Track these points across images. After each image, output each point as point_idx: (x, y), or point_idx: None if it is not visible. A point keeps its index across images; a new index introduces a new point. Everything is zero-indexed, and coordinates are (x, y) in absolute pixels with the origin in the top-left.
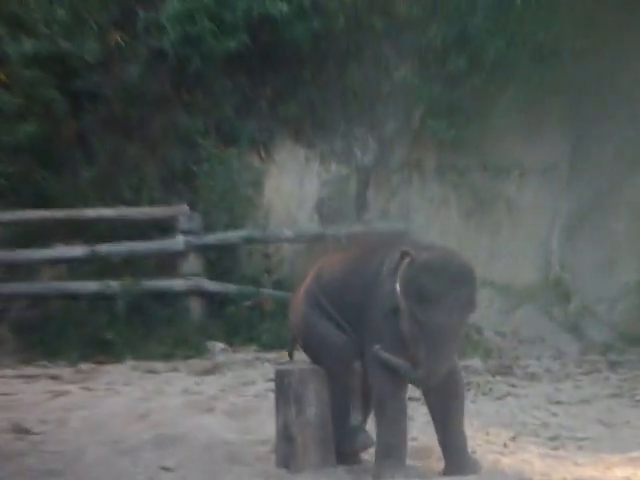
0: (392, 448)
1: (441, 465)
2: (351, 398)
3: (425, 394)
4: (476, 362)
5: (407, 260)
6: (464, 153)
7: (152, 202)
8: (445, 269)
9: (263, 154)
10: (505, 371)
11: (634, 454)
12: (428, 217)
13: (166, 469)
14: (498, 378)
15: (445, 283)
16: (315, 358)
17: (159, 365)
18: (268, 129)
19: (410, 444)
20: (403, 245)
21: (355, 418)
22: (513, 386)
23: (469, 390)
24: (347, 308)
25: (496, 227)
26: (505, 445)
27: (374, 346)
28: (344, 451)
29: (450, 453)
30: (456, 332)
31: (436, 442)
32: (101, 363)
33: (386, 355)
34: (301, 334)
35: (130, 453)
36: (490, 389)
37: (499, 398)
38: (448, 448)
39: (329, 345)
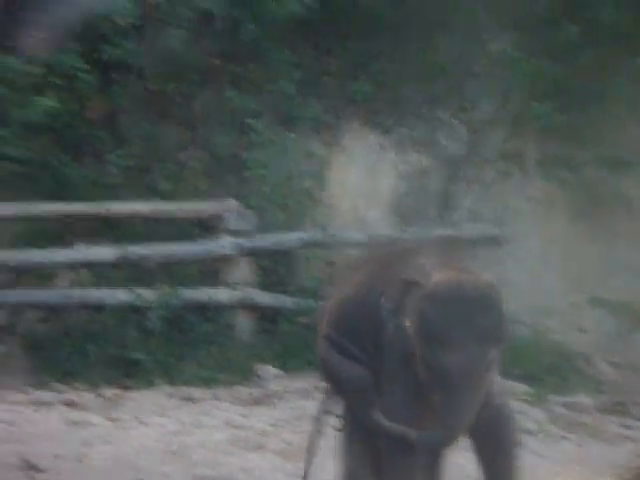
0: None
1: None
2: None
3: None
4: (583, 398)
5: (413, 290)
6: (575, 143)
7: (194, 196)
8: (461, 297)
9: (328, 140)
10: (619, 409)
11: None
12: (529, 220)
13: None
14: (610, 417)
15: (461, 316)
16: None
17: (198, 392)
18: (334, 110)
19: None
20: (407, 265)
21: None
22: (628, 427)
23: (574, 432)
24: (359, 340)
25: (613, 234)
26: None
27: (376, 413)
28: None
29: None
30: (480, 376)
31: None
32: (128, 388)
33: (388, 424)
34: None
35: None
36: (600, 430)
37: (611, 441)
38: None
39: (344, 378)
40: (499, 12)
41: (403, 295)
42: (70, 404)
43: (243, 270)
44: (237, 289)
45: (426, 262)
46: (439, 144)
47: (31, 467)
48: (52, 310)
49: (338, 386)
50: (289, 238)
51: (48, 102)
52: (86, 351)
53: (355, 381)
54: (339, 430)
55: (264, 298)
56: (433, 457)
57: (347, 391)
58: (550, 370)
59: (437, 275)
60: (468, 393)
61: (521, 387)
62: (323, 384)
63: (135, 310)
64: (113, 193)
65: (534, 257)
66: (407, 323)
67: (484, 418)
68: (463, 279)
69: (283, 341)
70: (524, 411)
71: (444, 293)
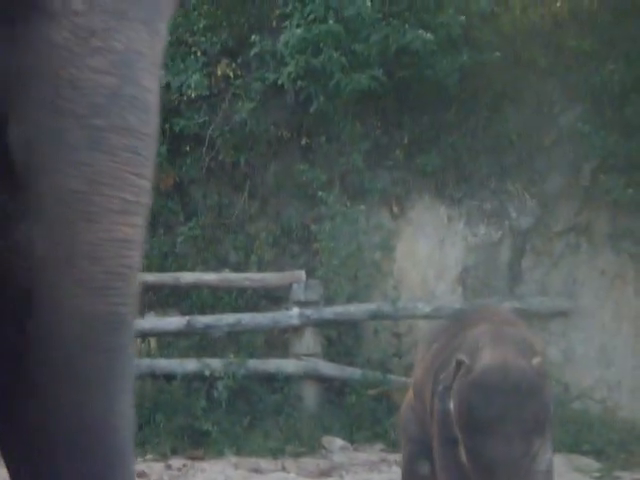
0: None
1: None
2: None
3: None
4: None
5: (461, 372)
6: None
7: (262, 267)
8: (503, 382)
9: (396, 212)
10: None
11: None
12: (598, 294)
13: None
14: None
15: (500, 402)
16: None
17: (265, 463)
18: (403, 182)
19: None
20: (464, 339)
21: None
22: None
23: None
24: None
25: None
26: None
27: None
28: None
29: None
30: (521, 465)
31: None
32: (197, 458)
33: None
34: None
35: None
36: None
37: None
38: None
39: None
40: (569, 84)
41: (454, 375)
42: (139, 475)
43: (310, 341)
44: (304, 360)
45: (479, 337)
46: (508, 216)
47: None
48: None
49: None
50: (356, 309)
51: None
52: (154, 421)
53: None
54: None
55: (331, 369)
56: None
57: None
58: (619, 446)
59: (485, 356)
60: None
61: (590, 463)
62: (390, 457)
63: (203, 380)
64: (182, 263)
65: (604, 331)
66: (452, 406)
67: None
68: (510, 363)
69: (350, 413)
70: None
71: (488, 380)
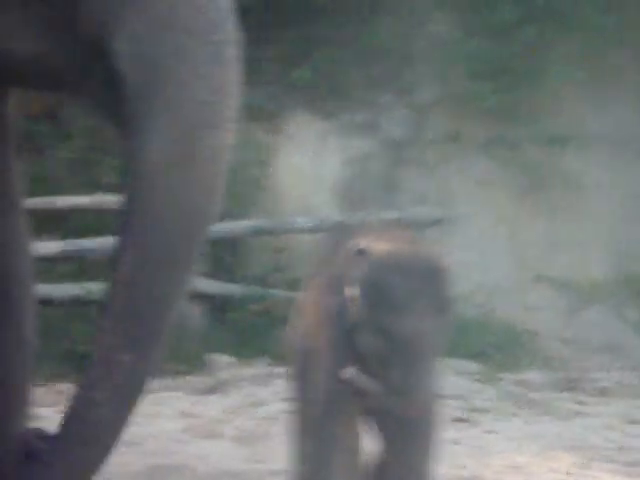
0: None
1: None
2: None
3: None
4: (534, 375)
5: (360, 259)
6: (515, 122)
7: None
8: (413, 264)
9: (271, 127)
10: (570, 386)
11: None
12: (472, 200)
13: None
14: (562, 394)
15: (415, 281)
16: None
17: (150, 383)
18: (277, 97)
19: (457, 472)
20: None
21: None
22: (581, 403)
23: (526, 408)
24: None
25: (555, 211)
26: (570, 473)
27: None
28: None
29: None
30: (433, 343)
31: (489, 470)
32: (79, 382)
33: (360, 378)
34: None
35: None
36: (552, 407)
37: (563, 418)
38: None
39: None
40: None
41: (348, 266)
42: None
43: None
44: None
45: (372, 236)
46: (382, 128)
47: None
48: None
49: None
50: (236, 226)
51: None
52: (37, 346)
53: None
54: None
55: (213, 287)
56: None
57: None
58: (500, 348)
59: (385, 243)
60: (427, 358)
61: (471, 365)
62: (276, 370)
63: (82, 304)
64: (58, 188)
65: (479, 237)
66: (352, 292)
67: None
68: (412, 248)
69: (234, 329)
70: (475, 389)
71: (397, 259)
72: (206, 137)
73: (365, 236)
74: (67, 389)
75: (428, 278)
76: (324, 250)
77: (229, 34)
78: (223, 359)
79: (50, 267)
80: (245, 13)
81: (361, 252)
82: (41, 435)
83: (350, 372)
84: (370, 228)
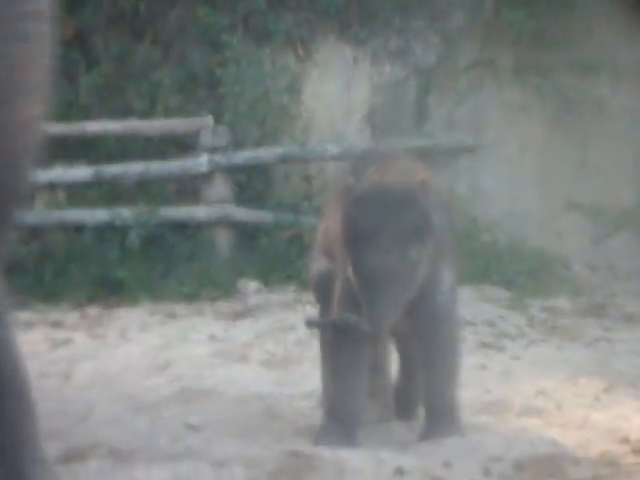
0: (337, 409)
1: (520, 421)
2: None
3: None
4: (562, 301)
5: (346, 191)
6: (547, 49)
7: (168, 114)
8: (380, 198)
9: (301, 53)
10: (597, 312)
11: None
12: (504, 127)
13: (191, 427)
14: (589, 320)
15: (376, 215)
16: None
17: (180, 308)
18: (307, 23)
19: (483, 397)
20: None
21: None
22: (607, 329)
23: (554, 335)
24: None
25: (586, 138)
26: (597, 398)
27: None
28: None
29: (428, 415)
30: (399, 274)
31: (517, 395)
32: (111, 306)
33: (322, 320)
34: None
35: (148, 410)
36: (579, 333)
37: (590, 343)
38: (427, 410)
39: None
40: None
41: (342, 197)
42: (54, 324)
43: (220, 187)
44: (215, 206)
45: (372, 168)
46: (413, 54)
47: None
48: (32, 232)
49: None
50: (265, 153)
51: None
52: (68, 271)
53: (317, 278)
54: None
55: (242, 214)
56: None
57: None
58: (528, 275)
59: (368, 177)
60: (388, 291)
61: (500, 292)
62: (303, 297)
63: (114, 229)
64: (87, 113)
65: (510, 164)
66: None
67: (422, 314)
68: (389, 181)
69: (263, 256)
70: (504, 315)
71: (366, 194)
72: (3, 114)
73: (368, 169)
74: (98, 313)
75: (393, 209)
76: (340, 178)
77: (30, 9)
78: (252, 285)
79: (81, 193)
80: None
81: (348, 187)
82: None
83: (338, 313)
84: (383, 159)
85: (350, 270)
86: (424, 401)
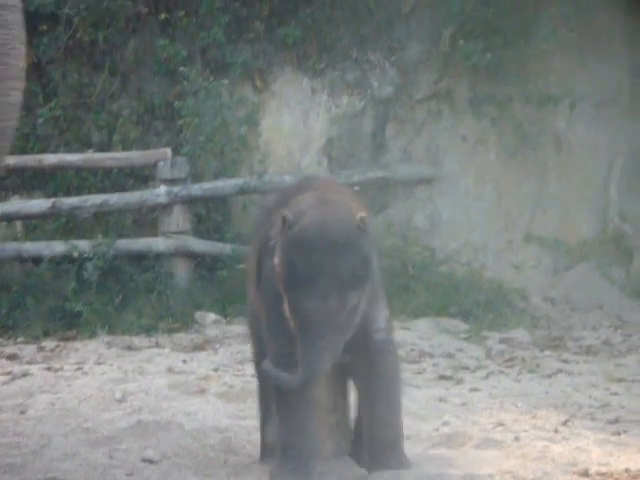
0: (291, 448)
1: (479, 453)
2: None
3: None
4: (520, 333)
5: (284, 228)
6: (504, 81)
7: (126, 146)
8: (320, 238)
9: (259, 85)
10: (556, 344)
11: None
12: (461, 159)
13: (149, 461)
14: (547, 352)
15: (317, 258)
16: None
17: (138, 340)
18: (265, 54)
19: (441, 430)
20: (288, 203)
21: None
22: (565, 361)
23: (512, 367)
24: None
25: (543, 170)
26: (556, 430)
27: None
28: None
29: (372, 446)
30: (338, 319)
31: (472, 427)
32: (68, 339)
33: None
34: None
35: (105, 444)
36: (538, 365)
37: (549, 376)
38: (371, 442)
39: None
40: None
41: (280, 231)
42: (10, 357)
43: (179, 218)
44: (173, 238)
45: (305, 200)
46: (370, 86)
47: None
48: None
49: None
50: (224, 185)
51: None
52: (24, 304)
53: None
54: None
55: (201, 245)
56: (305, 395)
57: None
58: (486, 307)
59: (307, 215)
60: (325, 336)
61: (458, 324)
62: None
63: (71, 261)
64: (45, 145)
65: (467, 196)
66: (276, 261)
67: (361, 352)
68: (329, 220)
69: (221, 287)
70: (462, 348)
71: (306, 236)
72: None
73: (299, 200)
74: (54, 346)
75: (336, 252)
76: (263, 211)
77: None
78: (211, 317)
79: (39, 225)
80: None
81: (284, 222)
82: None
83: (266, 364)
84: (313, 189)
85: (287, 310)
86: (368, 433)
